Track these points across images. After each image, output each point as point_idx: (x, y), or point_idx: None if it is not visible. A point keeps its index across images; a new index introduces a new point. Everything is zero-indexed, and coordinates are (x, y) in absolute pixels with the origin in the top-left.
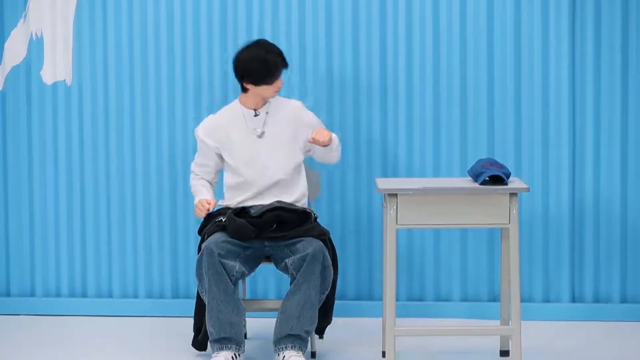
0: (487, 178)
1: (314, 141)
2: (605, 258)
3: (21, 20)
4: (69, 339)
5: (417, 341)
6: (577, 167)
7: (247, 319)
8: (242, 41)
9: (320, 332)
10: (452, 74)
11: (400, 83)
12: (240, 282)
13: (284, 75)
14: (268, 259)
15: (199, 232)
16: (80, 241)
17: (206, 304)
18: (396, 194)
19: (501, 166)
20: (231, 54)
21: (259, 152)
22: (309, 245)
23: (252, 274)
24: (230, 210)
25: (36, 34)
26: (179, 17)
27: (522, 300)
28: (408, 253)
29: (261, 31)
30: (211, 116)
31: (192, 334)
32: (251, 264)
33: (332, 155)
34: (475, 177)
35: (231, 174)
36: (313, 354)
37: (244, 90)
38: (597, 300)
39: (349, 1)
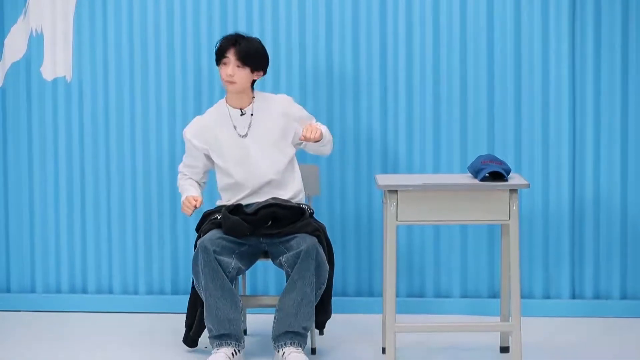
0: (487, 174)
1: (305, 139)
2: (605, 254)
3: (21, 17)
4: (70, 335)
5: (417, 337)
6: (577, 165)
7: (247, 315)
8: None
9: (320, 326)
10: (452, 73)
11: (401, 82)
12: (240, 278)
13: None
14: (266, 254)
15: (197, 230)
16: (81, 237)
17: (203, 301)
18: (396, 190)
19: (501, 162)
20: None
21: (248, 152)
22: (303, 242)
23: (250, 269)
24: (224, 208)
25: (36, 30)
26: (179, 13)
27: (522, 297)
28: (408, 249)
29: (261, 30)
30: (198, 117)
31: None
32: (247, 260)
33: (325, 149)
34: (475, 173)
35: (222, 175)
36: (313, 350)
37: None
38: (597, 296)
39: (349, 0)
